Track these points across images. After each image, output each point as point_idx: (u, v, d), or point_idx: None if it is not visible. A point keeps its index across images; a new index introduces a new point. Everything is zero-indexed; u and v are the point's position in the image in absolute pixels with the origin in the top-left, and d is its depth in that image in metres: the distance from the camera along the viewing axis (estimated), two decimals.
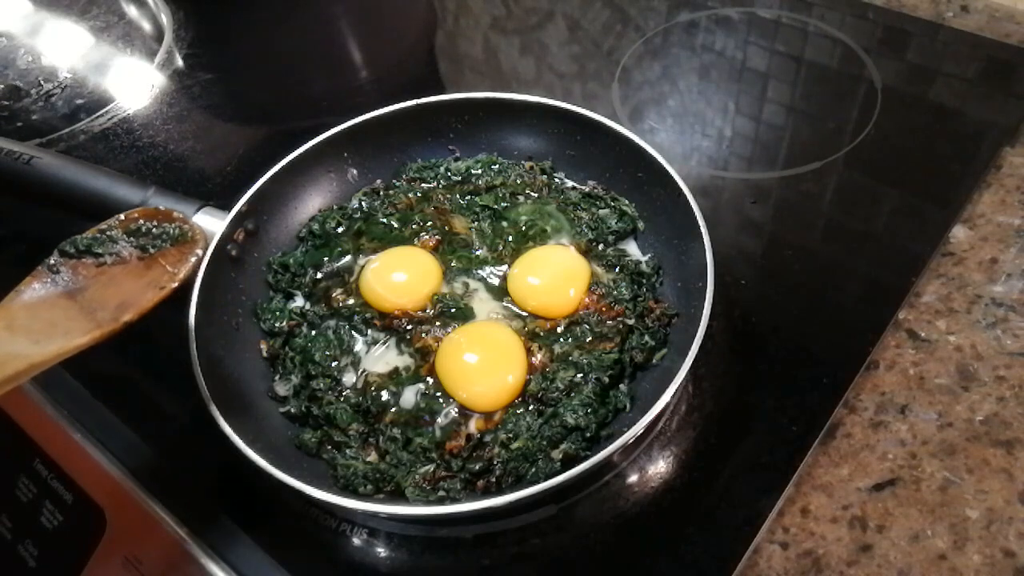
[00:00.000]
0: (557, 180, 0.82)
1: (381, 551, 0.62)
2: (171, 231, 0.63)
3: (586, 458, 0.58)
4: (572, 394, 0.64)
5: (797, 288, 0.75)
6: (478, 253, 0.76)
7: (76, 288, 0.58)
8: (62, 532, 0.66)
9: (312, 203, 0.81)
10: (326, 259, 0.76)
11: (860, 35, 0.97)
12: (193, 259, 0.61)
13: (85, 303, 0.57)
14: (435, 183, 0.82)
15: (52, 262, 0.59)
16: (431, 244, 0.76)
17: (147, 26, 1.18)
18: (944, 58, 0.94)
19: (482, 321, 0.71)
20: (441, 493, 0.61)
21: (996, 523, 0.59)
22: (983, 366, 0.68)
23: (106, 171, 0.76)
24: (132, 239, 0.62)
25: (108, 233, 0.61)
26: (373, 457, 0.64)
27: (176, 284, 0.59)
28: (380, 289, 0.72)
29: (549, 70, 1.04)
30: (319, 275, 0.75)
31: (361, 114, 0.81)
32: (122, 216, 0.63)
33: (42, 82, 1.08)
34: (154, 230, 0.63)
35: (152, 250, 0.62)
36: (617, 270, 0.73)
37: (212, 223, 0.72)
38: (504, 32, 1.11)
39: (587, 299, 0.70)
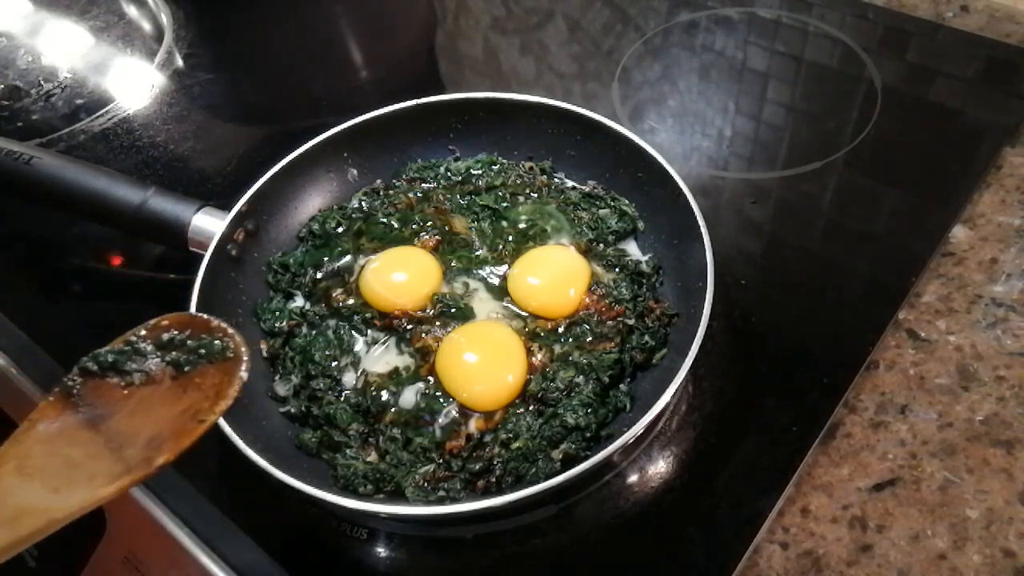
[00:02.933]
0: (557, 180, 0.82)
1: (381, 551, 0.62)
2: (208, 344, 0.52)
3: (586, 458, 0.58)
4: (572, 394, 0.64)
5: (797, 288, 0.75)
6: (478, 253, 0.76)
7: (99, 416, 0.48)
8: (62, 532, 0.66)
9: (312, 203, 0.81)
10: (326, 259, 0.76)
11: (860, 35, 0.97)
12: (236, 384, 0.50)
13: (111, 436, 0.47)
14: (435, 183, 0.82)
15: (71, 382, 0.49)
16: (431, 244, 0.76)
17: (147, 26, 1.18)
18: (944, 58, 0.94)
19: (482, 321, 0.71)
20: (441, 493, 0.61)
21: (996, 523, 0.59)
22: (983, 366, 0.68)
23: (106, 171, 0.76)
24: (163, 353, 0.52)
25: (136, 346, 0.51)
26: (373, 457, 0.64)
27: (217, 416, 0.49)
28: (380, 289, 0.72)
29: (549, 70, 1.04)
30: (319, 275, 0.75)
31: (361, 114, 0.81)
32: (150, 324, 0.53)
33: (42, 82, 1.08)
34: (189, 342, 0.52)
35: (187, 368, 0.51)
36: (617, 270, 0.73)
37: (212, 223, 0.72)
38: (504, 32, 1.11)
39: (587, 299, 0.70)
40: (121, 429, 0.48)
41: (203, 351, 0.52)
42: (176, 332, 0.53)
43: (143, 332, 0.52)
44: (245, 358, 0.52)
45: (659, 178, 0.73)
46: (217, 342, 0.53)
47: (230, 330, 0.53)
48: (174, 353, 0.52)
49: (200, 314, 0.55)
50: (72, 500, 0.44)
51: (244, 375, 0.51)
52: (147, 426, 0.48)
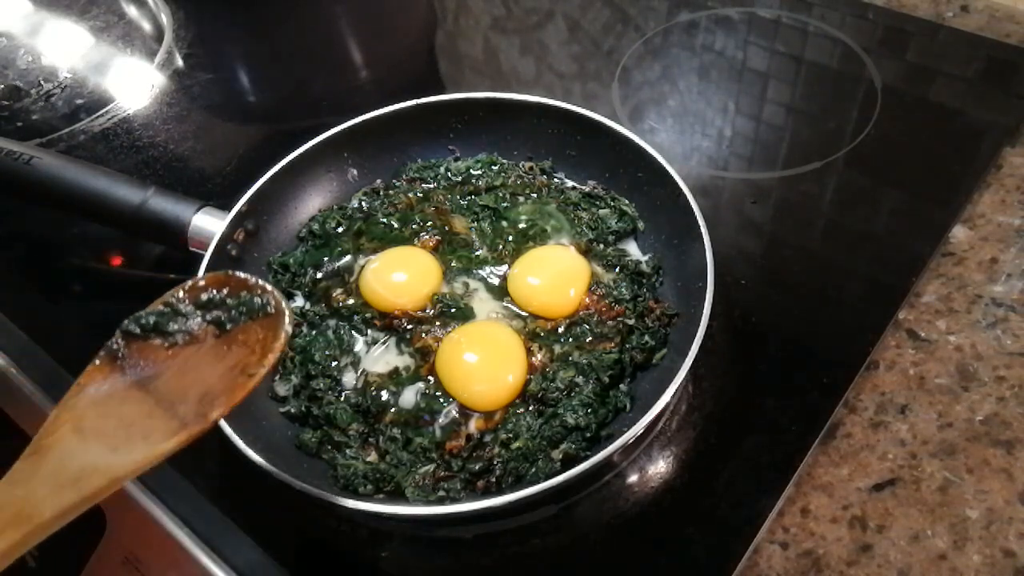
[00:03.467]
0: (557, 180, 0.82)
1: (381, 551, 0.62)
2: (248, 302, 0.52)
3: (586, 458, 0.58)
4: (572, 394, 0.64)
5: (797, 288, 0.75)
6: (478, 253, 0.76)
7: (146, 377, 0.49)
8: (62, 532, 0.66)
9: (312, 203, 0.81)
10: (326, 259, 0.76)
11: (860, 35, 0.97)
12: (282, 336, 0.51)
13: (161, 396, 0.48)
14: (435, 183, 0.82)
15: (114, 346, 0.49)
16: (431, 244, 0.76)
17: (147, 26, 1.18)
18: (944, 58, 0.94)
19: (482, 321, 0.71)
20: (441, 493, 0.61)
21: (996, 523, 0.59)
22: (983, 366, 0.68)
23: (106, 171, 0.76)
24: (204, 312, 0.52)
25: (176, 307, 0.52)
26: (373, 457, 0.64)
27: (267, 369, 0.49)
28: (380, 289, 0.72)
29: (549, 70, 1.04)
30: (319, 275, 0.75)
31: (361, 114, 0.81)
32: (188, 285, 0.53)
33: (42, 82, 1.08)
34: (228, 301, 0.52)
35: (230, 326, 0.51)
36: (617, 270, 0.73)
37: (212, 223, 0.72)
38: (504, 32, 1.11)
39: (587, 299, 0.70)
40: (171, 388, 0.48)
41: (244, 308, 0.52)
42: (214, 291, 0.53)
43: (181, 293, 0.53)
44: (287, 312, 0.52)
45: (659, 178, 0.73)
46: (257, 299, 0.53)
47: (268, 287, 0.53)
48: (215, 312, 0.52)
49: (236, 273, 0.54)
50: (132, 458, 0.44)
51: (289, 328, 0.51)
52: (196, 384, 0.49)
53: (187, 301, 0.52)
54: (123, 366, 0.49)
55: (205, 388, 0.49)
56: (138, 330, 0.51)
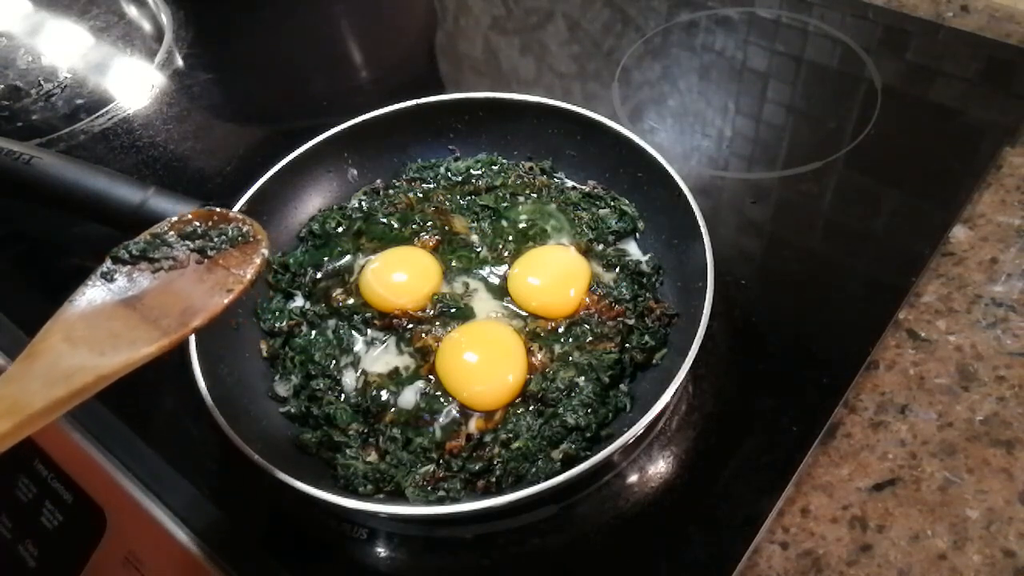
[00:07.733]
0: (557, 180, 0.82)
1: (381, 551, 0.62)
2: (230, 232, 0.58)
3: (586, 458, 0.57)
4: (572, 394, 0.64)
5: (797, 288, 0.75)
6: (478, 253, 0.76)
7: (133, 296, 0.53)
8: (62, 532, 0.66)
9: (312, 203, 0.81)
10: (326, 259, 0.76)
11: (860, 35, 0.97)
12: (259, 259, 0.57)
13: (146, 311, 0.52)
14: (435, 183, 0.82)
15: (105, 269, 0.54)
16: (431, 244, 0.76)
17: (147, 26, 1.18)
18: (944, 58, 0.94)
19: (482, 320, 0.71)
20: (441, 493, 0.61)
21: (996, 523, 0.59)
22: (983, 366, 0.68)
23: (106, 171, 0.76)
24: (188, 242, 0.57)
25: (162, 237, 0.56)
26: (373, 457, 0.64)
27: (244, 287, 0.55)
28: (380, 289, 0.72)
29: (549, 70, 1.04)
30: (319, 275, 0.75)
31: (361, 114, 0.81)
32: (174, 218, 0.58)
33: (42, 82, 1.08)
34: (211, 232, 0.58)
35: (211, 253, 0.57)
36: (617, 270, 0.73)
37: None
38: (504, 32, 1.11)
39: (587, 299, 0.70)
40: (155, 305, 0.53)
41: (225, 237, 0.57)
42: (199, 224, 0.58)
43: (167, 226, 0.57)
44: (266, 239, 0.58)
45: (659, 178, 0.73)
46: (237, 228, 0.58)
47: (249, 219, 0.58)
48: (198, 242, 0.57)
49: (221, 209, 0.59)
50: (117, 359, 0.48)
51: (266, 252, 0.57)
52: (179, 301, 0.53)
53: (173, 233, 0.57)
54: (110, 287, 0.53)
55: (187, 304, 0.53)
56: (127, 256, 0.55)
